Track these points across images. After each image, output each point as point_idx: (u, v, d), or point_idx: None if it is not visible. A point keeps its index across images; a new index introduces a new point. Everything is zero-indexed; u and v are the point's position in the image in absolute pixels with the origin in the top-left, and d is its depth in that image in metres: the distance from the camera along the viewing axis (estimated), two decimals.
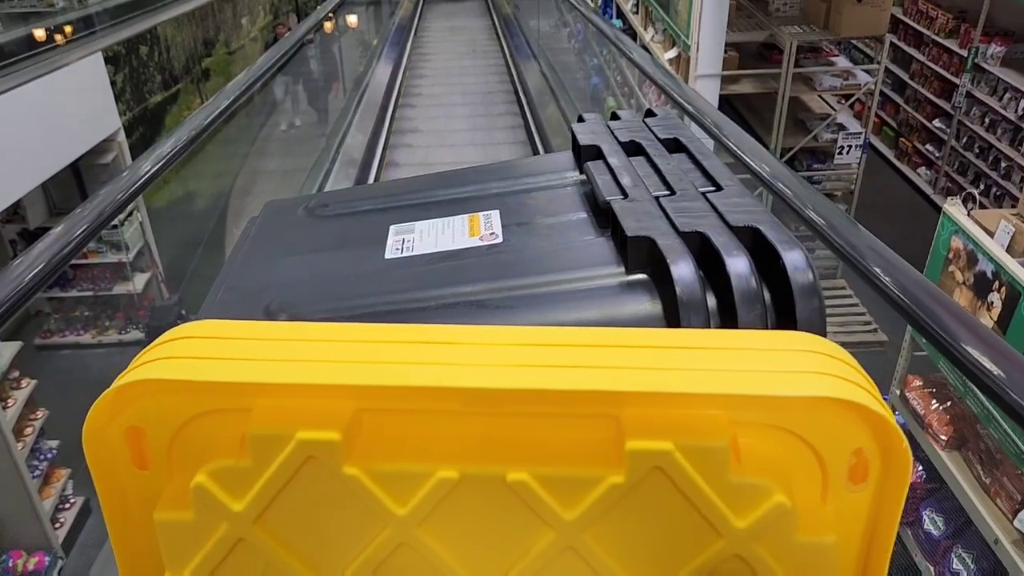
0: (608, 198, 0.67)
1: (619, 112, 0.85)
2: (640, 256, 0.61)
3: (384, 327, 0.51)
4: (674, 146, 0.77)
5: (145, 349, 0.49)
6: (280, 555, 0.50)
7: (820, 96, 6.03)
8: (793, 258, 0.56)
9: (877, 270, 1.36)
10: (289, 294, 0.69)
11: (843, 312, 6.17)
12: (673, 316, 0.56)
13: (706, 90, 5.63)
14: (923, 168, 8.01)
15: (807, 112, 6.23)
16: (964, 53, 7.09)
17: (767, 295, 0.57)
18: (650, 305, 0.60)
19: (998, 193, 6.82)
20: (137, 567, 0.53)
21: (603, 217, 0.68)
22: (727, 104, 5.97)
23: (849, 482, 0.48)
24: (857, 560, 0.50)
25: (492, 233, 0.71)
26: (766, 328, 0.56)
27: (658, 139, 0.78)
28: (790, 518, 0.45)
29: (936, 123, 7.71)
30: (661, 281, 0.58)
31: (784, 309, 0.57)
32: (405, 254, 0.71)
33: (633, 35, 7.92)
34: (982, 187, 7.08)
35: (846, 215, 1.52)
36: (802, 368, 0.46)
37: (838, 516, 0.48)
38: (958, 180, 7.40)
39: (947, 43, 7.45)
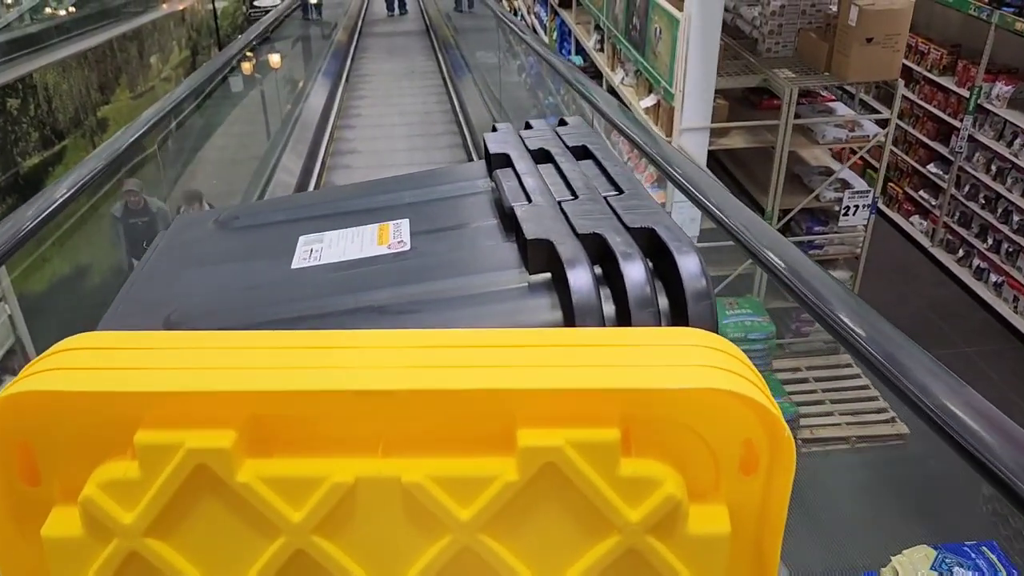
0: (513, 203, 0.70)
1: (532, 121, 0.88)
2: (540, 258, 0.64)
3: (278, 334, 0.53)
4: (582, 153, 0.80)
5: (33, 361, 0.50)
6: (175, 567, 0.50)
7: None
8: (687, 264, 0.60)
9: (843, 318, 1.32)
10: (191, 305, 0.71)
11: (851, 398, 5.29)
12: (572, 315, 0.60)
13: (694, 145, 4.87)
14: (916, 216, 7.50)
15: (802, 165, 5.34)
16: (964, 92, 6.47)
17: (661, 294, 0.61)
18: (550, 305, 0.63)
19: (1010, 250, 6.28)
20: None
21: (509, 222, 0.71)
22: (713, 160, 5.06)
23: (741, 473, 0.50)
24: (752, 549, 0.52)
25: (400, 241, 0.73)
26: (659, 324, 0.60)
27: (567, 147, 0.81)
28: (681, 510, 0.49)
29: (931, 168, 7.11)
30: (561, 282, 0.62)
31: (677, 303, 0.60)
32: (312, 263, 0.73)
33: (596, 75, 6.90)
34: (990, 242, 6.32)
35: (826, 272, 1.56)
36: (692, 362, 0.49)
37: (732, 507, 0.51)
38: (960, 232, 6.67)
39: (941, 80, 6.80)
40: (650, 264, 0.61)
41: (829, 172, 5.49)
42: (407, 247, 0.72)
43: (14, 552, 0.51)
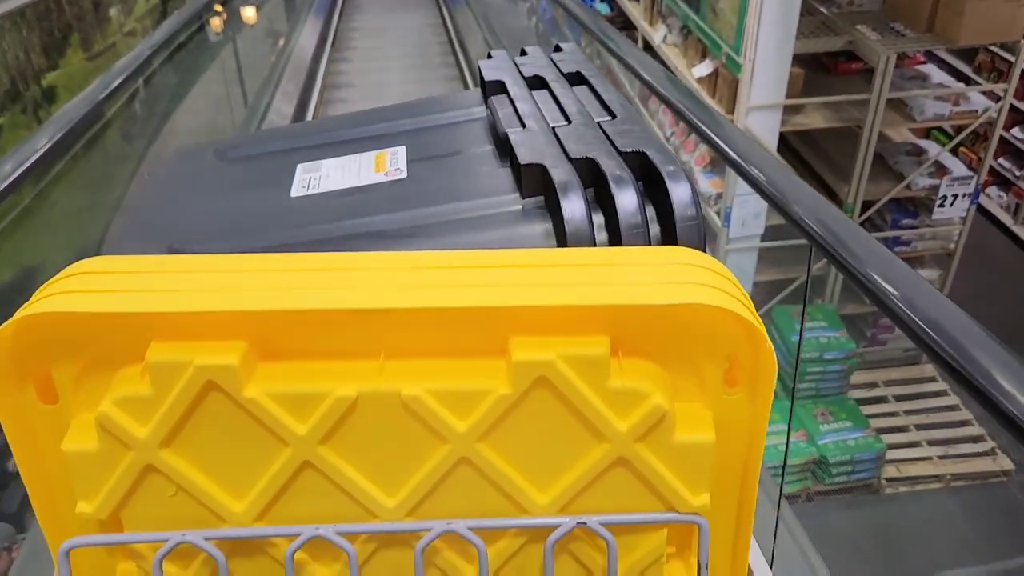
0: (507, 129, 0.78)
1: (528, 48, 0.96)
2: (533, 183, 0.73)
3: (282, 257, 0.61)
4: (577, 79, 0.89)
5: (44, 284, 0.58)
6: (188, 478, 0.60)
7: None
8: (676, 189, 0.68)
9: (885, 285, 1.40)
10: (194, 231, 0.79)
11: (940, 422, 4.97)
12: (564, 236, 0.68)
13: (764, 127, 4.46)
14: (994, 187, 7.37)
15: (884, 143, 5.00)
16: None
17: (651, 212, 0.70)
18: (543, 228, 0.71)
19: None
20: (50, 499, 0.63)
21: (504, 148, 0.79)
22: (780, 142, 4.71)
23: (725, 385, 0.59)
24: (736, 459, 0.62)
25: (397, 168, 0.81)
26: (649, 243, 0.69)
27: (562, 73, 0.89)
28: (668, 418, 0.58)
29: (1017, 132, 6.92)
30: (554, 205, 0.70)
31: (666, 224, 0.69)
32: (311, 191, 0.81)
33: (626, 25, 6.50)
34: None
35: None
36: (678, 279, 0.58)
37: (716, 418, 0.60)
38: None
39: None
40: (641, 187, 0.70)
41: (917, 151, 5.12)
42: (404, 175, 0.81)
43: (38, 467, 0.61)
